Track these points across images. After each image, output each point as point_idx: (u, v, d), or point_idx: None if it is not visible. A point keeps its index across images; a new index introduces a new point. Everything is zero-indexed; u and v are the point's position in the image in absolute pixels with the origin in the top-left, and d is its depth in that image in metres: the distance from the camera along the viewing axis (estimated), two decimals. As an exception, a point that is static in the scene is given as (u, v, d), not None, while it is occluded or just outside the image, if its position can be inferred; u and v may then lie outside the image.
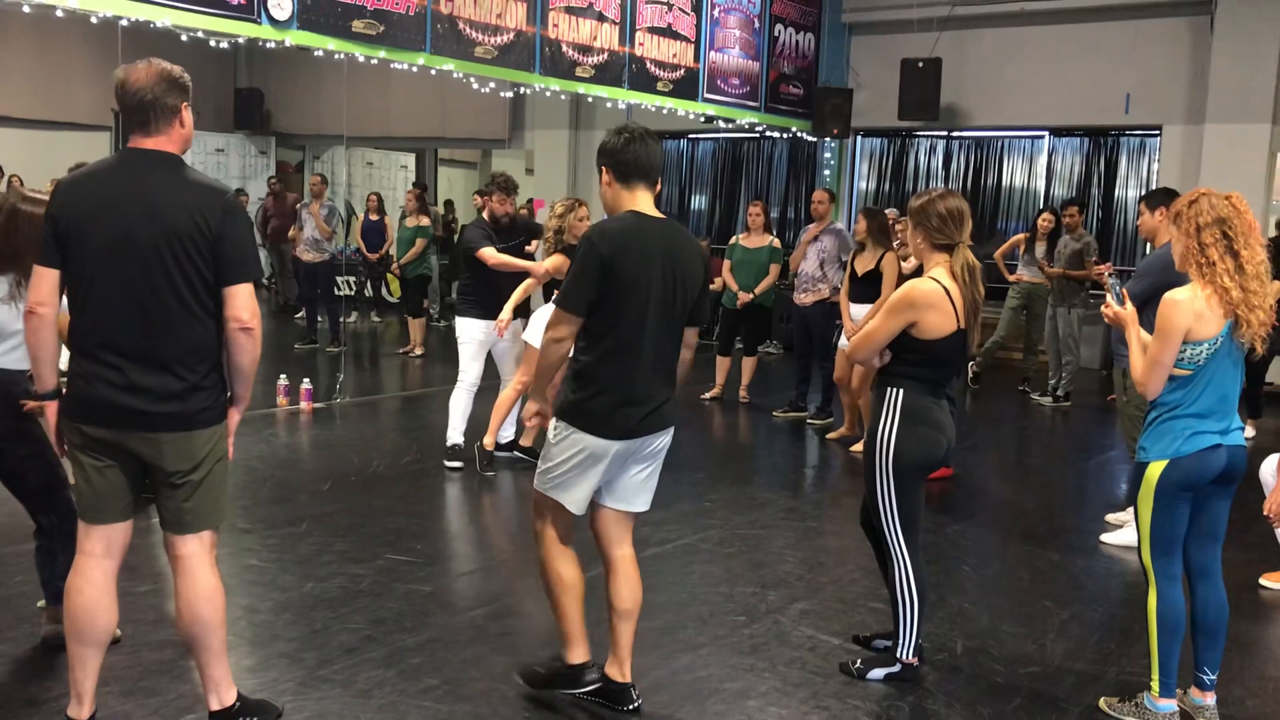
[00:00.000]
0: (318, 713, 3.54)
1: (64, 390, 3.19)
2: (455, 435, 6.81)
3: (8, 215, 3.74)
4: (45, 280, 3.11)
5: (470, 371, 6.79)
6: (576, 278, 3.37)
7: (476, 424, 6.87)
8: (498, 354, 6.88)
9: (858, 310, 7.61)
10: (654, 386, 3.48)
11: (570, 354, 3.52)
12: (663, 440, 3.59)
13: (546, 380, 3.57)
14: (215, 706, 3.31)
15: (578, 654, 3.62)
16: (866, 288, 7.60)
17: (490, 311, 6.54)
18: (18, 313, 3.63)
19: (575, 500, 3.51)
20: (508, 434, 6.95)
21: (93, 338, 3.09)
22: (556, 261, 6.26)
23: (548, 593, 3.62)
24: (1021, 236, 10.50)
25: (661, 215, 3.52)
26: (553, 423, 3.52)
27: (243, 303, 3.14)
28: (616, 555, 3.63)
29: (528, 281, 6.47)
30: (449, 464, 6.72)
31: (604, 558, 3.65)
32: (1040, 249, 10.01)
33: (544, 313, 6.37)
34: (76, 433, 3.16)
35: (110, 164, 3.17)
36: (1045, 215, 10.16)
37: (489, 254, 6.58)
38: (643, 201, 3.49)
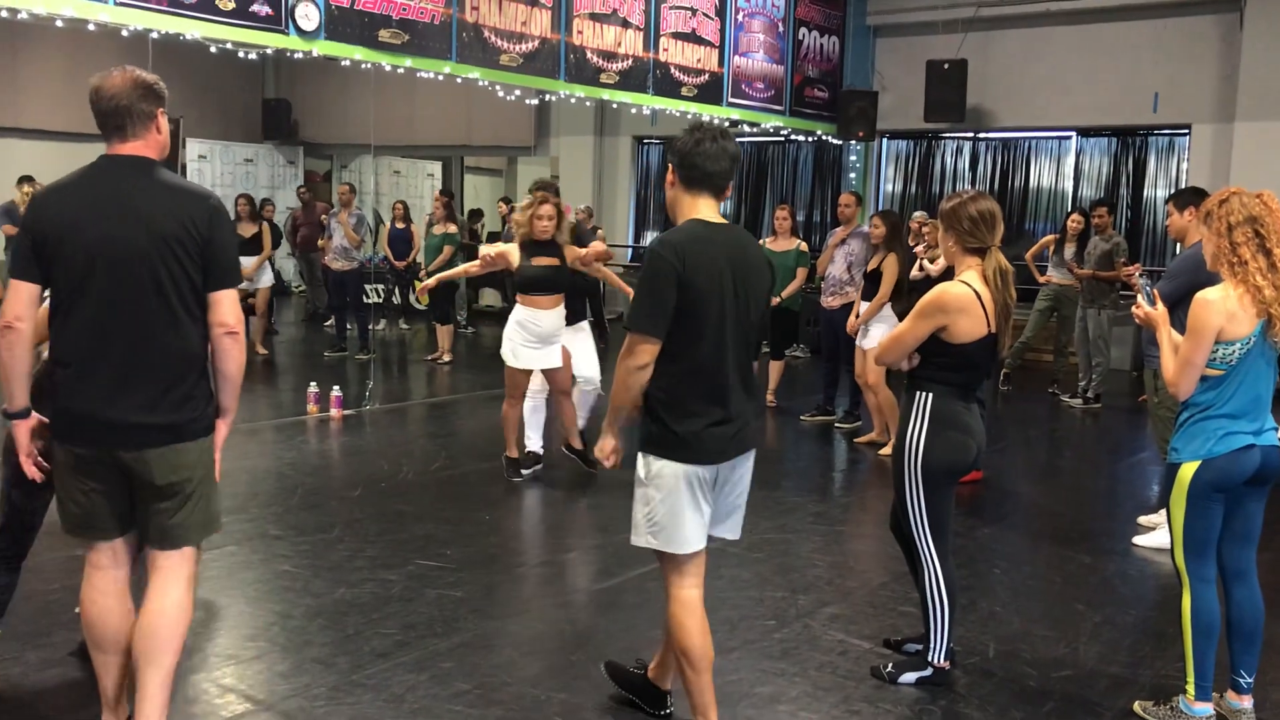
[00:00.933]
0: (352, 717, 3.57)
1: (32, 410, 3.11)
2: (531, 444, 6.87)
3: None
4: (22, 294, 2.99)
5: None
6: (649, 297, 3.14)
7: (551, 426, 7.06)
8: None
9: (861, 308, 7.91)
10: (740, 403, 3.28)
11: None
12: (750, 461, 3.41)
13: (623, 413, 3.32)
14: None
15: None
16: (870, 287, 7.82)
17: None
18: None
19: (685, 539, 3.26)
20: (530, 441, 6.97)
21: (77, 349, 3.00)
22: (501, 249, 6.49)
23: (675, 659, 3.40)
24: (1051, 238, 10.43)
25: (725, 221, 3.32)
26: (640, 460, 3.29)
27: (228, 308, 3.08)
28: None
29: (466, 265, 6.73)
30: (525, 471, 6.74)
31: None
32: (1069, 250, 9.94)
33: (513, 331, 6.41)
34: (64, 452, 3.08)
35: (88, 172, 3.07)
36: (1074, 216, 10.09)
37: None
38: (705, 209, 3.28)
